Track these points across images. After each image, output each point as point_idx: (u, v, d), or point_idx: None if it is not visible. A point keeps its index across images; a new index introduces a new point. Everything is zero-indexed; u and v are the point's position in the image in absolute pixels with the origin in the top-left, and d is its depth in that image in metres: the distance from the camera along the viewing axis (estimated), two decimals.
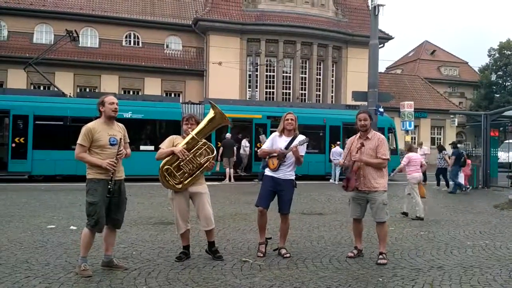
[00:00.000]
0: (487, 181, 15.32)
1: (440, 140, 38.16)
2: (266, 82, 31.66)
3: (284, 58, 31.61)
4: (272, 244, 5.45)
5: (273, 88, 31.82)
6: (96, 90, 27.89)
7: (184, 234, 5.03)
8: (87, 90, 27.75)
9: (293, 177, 5.36)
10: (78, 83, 28.96)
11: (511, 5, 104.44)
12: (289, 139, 5.29)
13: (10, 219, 7.54)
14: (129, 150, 4.64)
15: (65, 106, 16.05)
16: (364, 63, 25.84)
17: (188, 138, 4.94)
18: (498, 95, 45.89)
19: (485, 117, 15.90)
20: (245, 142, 17.63)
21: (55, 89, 19.39)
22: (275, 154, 5.26)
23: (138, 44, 31.31)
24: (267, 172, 5.36)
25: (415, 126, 29.16)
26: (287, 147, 5.22)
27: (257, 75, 29.78)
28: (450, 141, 37.55)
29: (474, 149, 18.98)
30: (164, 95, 29.22)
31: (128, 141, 4.68)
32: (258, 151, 6.11)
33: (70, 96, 18.72)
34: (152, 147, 15.85)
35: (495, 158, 15.98)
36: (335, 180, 16.72)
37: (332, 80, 33.39)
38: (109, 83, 28.65)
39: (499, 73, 46.97)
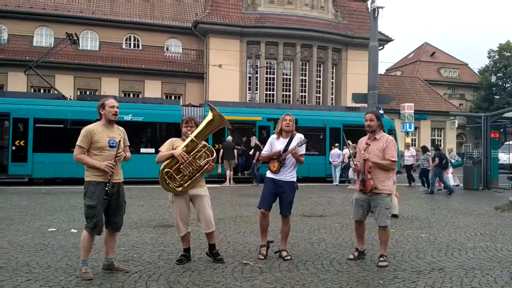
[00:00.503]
0: (487, 183, 15.32)
1: (440, 141, 38.17)
2: (266, 85, 31.71)
3: (284, 60, 31.67)
4: (273, 246, 5.45)
5: (273, 91, 31.86)
6: (96, 93, 27.96)
7: (185, 236, 5.03)
8: (87, 93, 27.82)
9: (295, 179, 5.35)
10: (78, 86, 29.00)
11: (511, 7, 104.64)
12: (286, 140, 5.30)
13: (11, 222, 7.54)
14: (128, 154, 4.63)
15: (65, 109, 16.05)
16: (364, 65, 25.87)
17: (187, 140, 4.93)
18: (498, 97, 45.94)
19: (485, 119, 15.90)
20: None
21: (55, 92, 19.39)
22: (275, 157, 5.27)
23: (138, 47, 31.36)
24: (269, 174, 5.37)
25: (415, 128, 29.20)
26: (285, 149, 5.23)
27: (257, 77, 29.83)
28: (450, 143, 37.67)
29: (474, 150, 19.01)
30: (164, 97, 29.23)
31: (128, 144, 4.67)
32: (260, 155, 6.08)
33: (70, 99, 18.73)
34: (152, 150, 15.83)
35: (495, 159, 16.00)
36: (336, 182, 16.73)
37: (332, 82, 33.44)
38: (109, 86, 28.69)
39: (499, 74, 47.03)
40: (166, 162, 4.89)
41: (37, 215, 8.35)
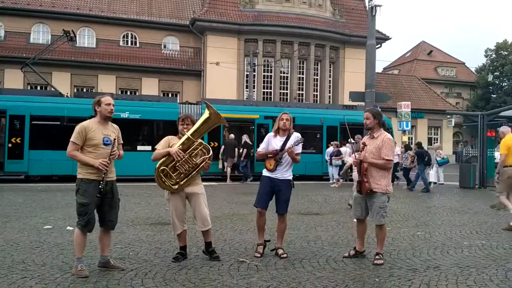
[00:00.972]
0: (483, 182, 15.36)
1: (437, 140, 38.27)
2: (264, 83, 31.70)
3: (281, 58, 31.65)
4: (269, 244, 5.45)
5: (270, 89, 31.86)
6: (93, 90, 27.86)
7: (181, 234, 5.03)
8: (84, 90, 27.73)
9: (291, 177, 5.36)
10: (75, 83, 28.91)
11: (508, 6, 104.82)
12: (283, 138, 5.30)
13: (7, 219, 7.52)
14: (121, 152, 4.61)
15: (62, 106, 16.01)
16: (361, 63, 25.82)
17: (183, 138, 4.92)
18: (494, 96, 46.04)
19: (482, 118, 15.94)
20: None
21: (52, 89, 19.34)
22: (271, 155, 5.27)
23: (135, 44, 31.27)
24: (265, 172, 5.37)
25: (412, 126, 29.22)
26: (282, 147, 5.23)
27: (254, 75, 29.78)
28: (447, 141, 37.74)
29: (471, 149, 19.07)
30: (162, 95, 29.21)
31: (122, 142, 4.65)
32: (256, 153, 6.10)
33: (67, 96, 18.67)
34: (149, 148, 15.83)
35: (491, 158, 16.03)
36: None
37: (330, 80, 33.46)
38: (106, 83, 28.62)
39: (495, 73, 47.11)
40: (162, 160, 4.88)
41: (33, 213, 8.33)
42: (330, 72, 33.45)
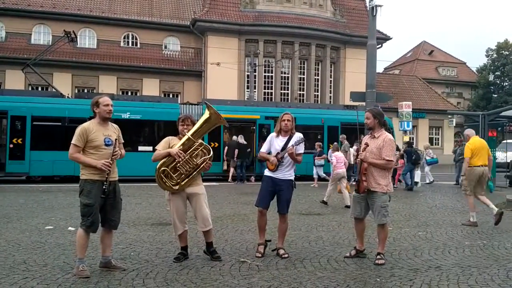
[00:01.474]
0: None
1: (438, 140, 38.24)
2: (264, 83, 31.72)
3: (282, 58, 31.66)
4: (270, 244, 5.45)
5: (271, 89, 31.86)
6: (94, 91, 27.87)
7: (182, 234, 5.03)
8: (85, 91, 27.73)
9: (292, 178, 5.35)
10: (76, 84, 28.95)
11: (509, 6, 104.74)
12: (285, 139, 5.30)
13: (8, 220, 7.53)
14: (123, 151, 4.62)
15: (63, 107, 16.04)
16: (362, 63, 25.81)
17: (184, 139, 4.92)
18: (496, 95, 45.99)
19: (483, 117, 15.90)
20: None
21: (53, 90, 19.35)
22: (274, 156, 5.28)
23: (136, 45, 31.30)
24: (266, 172, 5.37)
25: (413, 126, 29.22)
26: (284, 147, 5.23)
27: (255, 75, 29.80)
28: (448, 141, 37.63)
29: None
30: (162, 95, 29.22)
31: (123, 141, 4.67)
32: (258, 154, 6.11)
33: (68, 97, 18.69)
34: (150, 148, 15.84)
35: (493, 158, 16.01)
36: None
37: (330, 80, 33.45)
38: (107, 84, 28.65)
39: (496, 73, 47.06)
40: (163, 160, 4.88)
41: (34, 213, 8.34)
42: (331, 72, 33.45)
